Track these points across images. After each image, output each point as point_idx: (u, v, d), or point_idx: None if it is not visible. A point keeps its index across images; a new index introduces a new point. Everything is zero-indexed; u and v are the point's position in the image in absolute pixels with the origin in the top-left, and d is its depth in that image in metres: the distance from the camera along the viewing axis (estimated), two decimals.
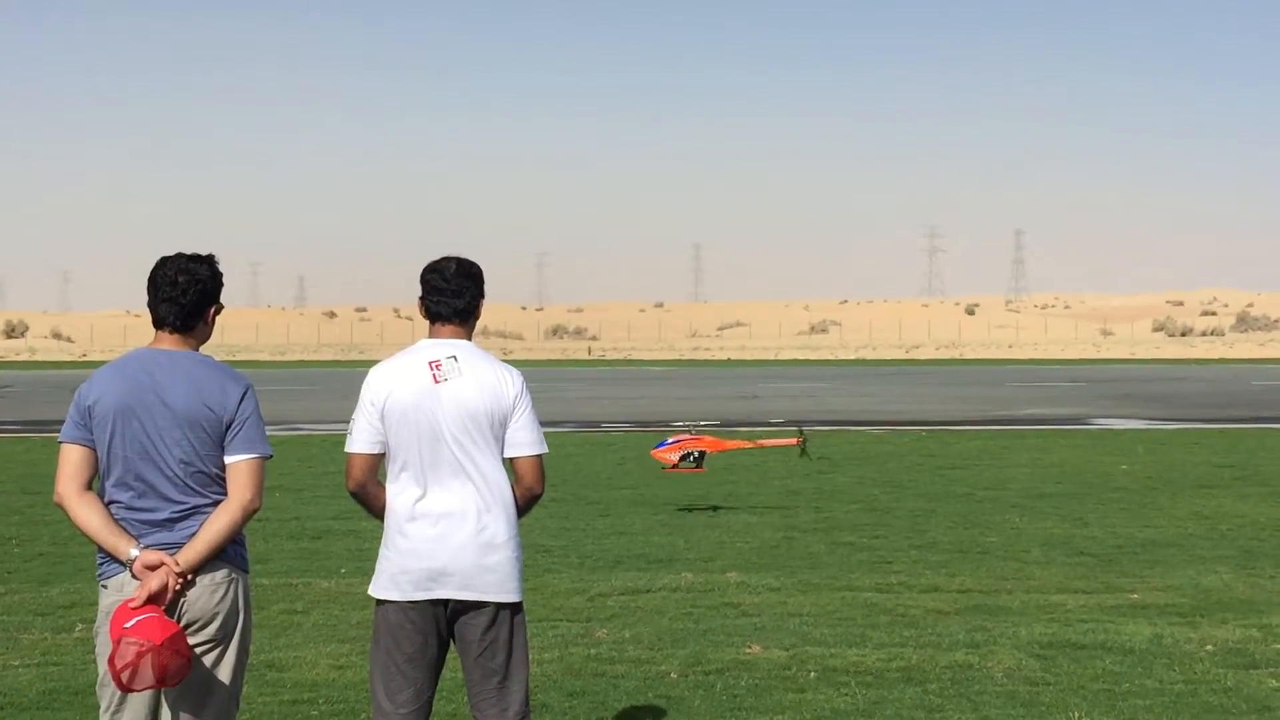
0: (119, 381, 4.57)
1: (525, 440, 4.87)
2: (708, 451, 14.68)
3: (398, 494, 4.84)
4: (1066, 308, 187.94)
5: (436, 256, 5.06)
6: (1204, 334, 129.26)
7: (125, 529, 4.53)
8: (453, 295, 4.95)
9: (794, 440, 15.21)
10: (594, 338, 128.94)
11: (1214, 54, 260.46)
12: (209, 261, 4.73)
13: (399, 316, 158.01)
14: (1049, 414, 29.73)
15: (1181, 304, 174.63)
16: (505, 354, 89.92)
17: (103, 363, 6.53)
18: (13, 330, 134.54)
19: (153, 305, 4.67)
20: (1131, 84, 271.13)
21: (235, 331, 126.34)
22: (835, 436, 23.26)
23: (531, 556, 11.00)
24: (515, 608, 4.88)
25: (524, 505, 4.95)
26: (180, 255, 4.71)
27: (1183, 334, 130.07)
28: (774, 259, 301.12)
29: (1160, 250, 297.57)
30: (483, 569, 4.78)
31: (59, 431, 4.71)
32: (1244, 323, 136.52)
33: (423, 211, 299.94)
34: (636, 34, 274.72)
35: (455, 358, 4.86)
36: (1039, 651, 7.98)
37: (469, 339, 5.00)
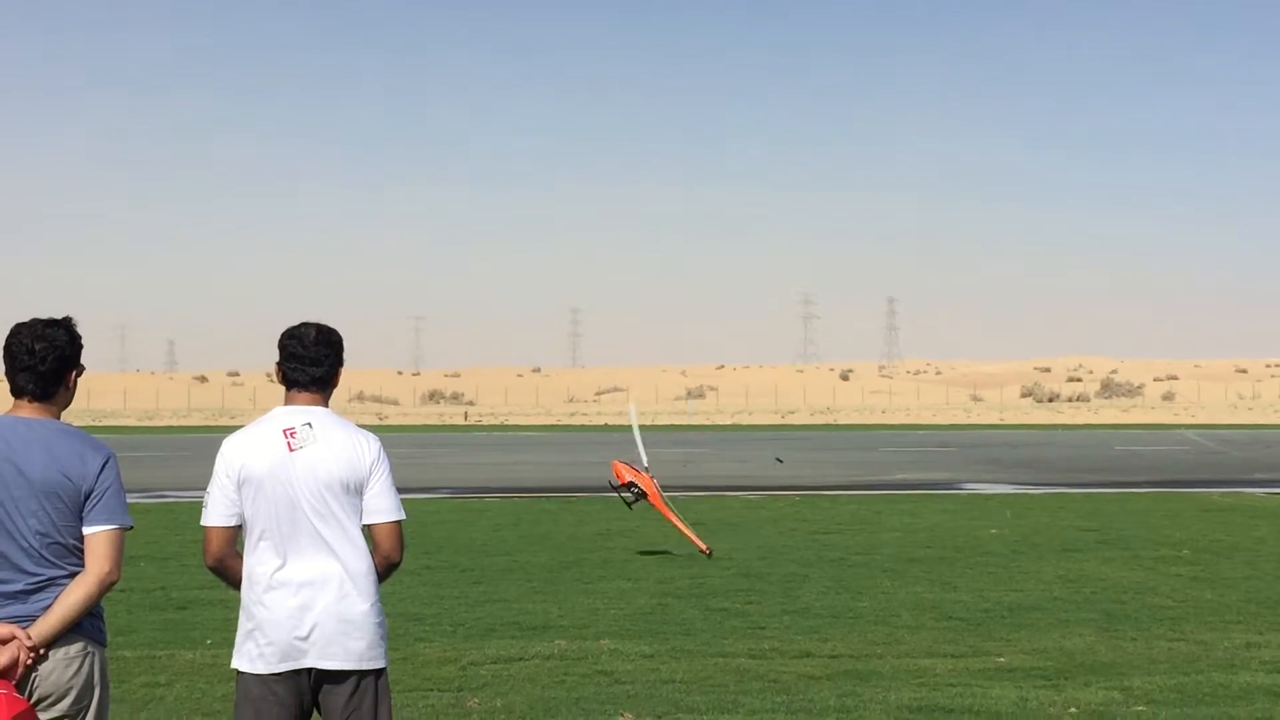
0: None
1: (382, 507, 4.83)
2: (646, 498, 15.29)
3: (256, 564, 4.77)
4: (938, 374, 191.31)
5: (310, 320, 5.04)
6: (1070, 400, 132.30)
7: None
8: (311, 363, 4.93)
9: (704, 549, 15.45)
10: (471, 402, 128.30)
11: (1080, 121, 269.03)
12: (66, 325, 4.65)
13: (271, 381, 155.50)
14: (920, 479, 30.18)
15: (1049, 371, 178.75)
16: (381, 419, 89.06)
17: None
18: None
19: (10, 374, 4.58)
20: (1001, 154, 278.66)
21: (102, 396, 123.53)
22: (709, 502, 23.37)
23: (403, 625, 10.87)
24: (379, 674, 4.84)
25: (383, 572, 4.90)
26: (36, 321, 4.63)
27: (1050, 400, 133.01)
28: (651, 324, 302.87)
29: (1028, 318, 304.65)
30: (345, 637, 4.74)
31: None
32: (1108, 389, 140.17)
33: (297, 274, 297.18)
34: (513, 99, 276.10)
35: (310, 425, 4.83)
36: (908, 716, 8.07)
37: (326, 406, 4.97)
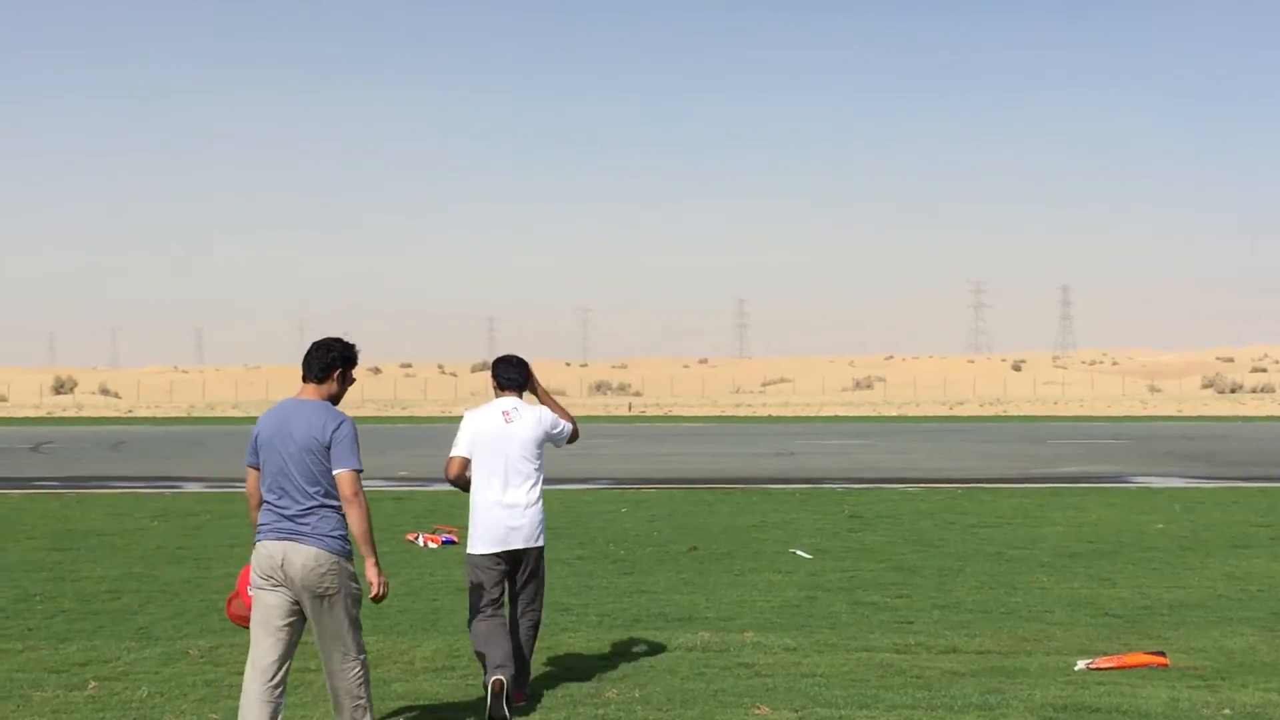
0: (269, 421, 6.74)
1: (563, 432, 8.48)
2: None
3: (480, 491, 8.14)
4: (1114, 364, 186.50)
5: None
6: (1254, 391, 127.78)
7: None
8: (516, 373, 8.45)
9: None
10: (637, 393, 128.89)
11: (1266, 107, 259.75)
12: (345, 341, 6.90)
13: (443, 372, 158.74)
14: (1088, 471, 29.44)
15: (1232, 360, 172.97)
16: None
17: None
18: (61, 386, 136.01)
19: (303, 365, 6.84)
20: (1180, 138, 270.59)
21: (281, 388, 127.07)
22: (869, 494, 23.13)
23: (550, 615, 10.99)
24: (541, 550, 8.30)
25: (572, 439, 8.56)
26: (328, 338, 6.90)
27: (1232, 390, 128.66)
28: (819, 314, 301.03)
29: (1211, 306, 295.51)
30: (528, 531, 8.15)
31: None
32: None
33: (468, 269, 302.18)
34: (677, 90, 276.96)
35: (517, 408, 8.32)
36: (1051, 715, 7.86)
37: (521, 398, 8.43)
